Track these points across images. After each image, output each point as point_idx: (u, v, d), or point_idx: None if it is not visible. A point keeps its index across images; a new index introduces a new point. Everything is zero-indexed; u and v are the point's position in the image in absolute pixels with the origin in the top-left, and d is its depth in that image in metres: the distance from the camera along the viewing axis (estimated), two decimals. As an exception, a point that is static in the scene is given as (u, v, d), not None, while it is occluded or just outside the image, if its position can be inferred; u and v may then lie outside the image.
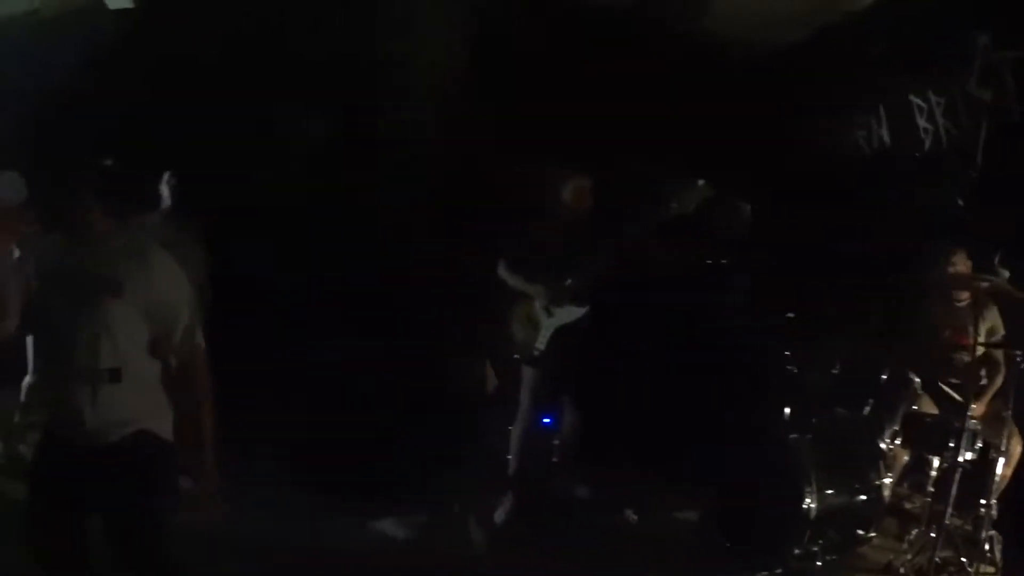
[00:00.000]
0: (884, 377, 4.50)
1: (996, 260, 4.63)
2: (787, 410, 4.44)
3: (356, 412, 4.72)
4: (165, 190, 5.36)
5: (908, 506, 5.07)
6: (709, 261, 4.72)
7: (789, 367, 4.43)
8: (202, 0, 6.15)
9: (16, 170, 5.21)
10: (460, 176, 4.89)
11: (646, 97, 4.73)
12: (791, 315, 4.44)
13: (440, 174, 4.96)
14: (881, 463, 4.54)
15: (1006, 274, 4.64)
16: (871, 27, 5.38)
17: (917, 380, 4.60)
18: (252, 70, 5.72)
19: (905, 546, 4.65)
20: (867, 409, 4.48)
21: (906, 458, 4.94)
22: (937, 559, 4.38)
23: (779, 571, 4.31)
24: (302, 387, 4.95)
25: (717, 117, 4.69)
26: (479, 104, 4.94)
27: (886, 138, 5.41)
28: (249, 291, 5.24)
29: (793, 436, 4.39)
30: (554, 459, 4.78)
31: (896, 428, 4.57)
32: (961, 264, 4.81)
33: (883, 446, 4.54)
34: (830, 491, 4.31)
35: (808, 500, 4.18)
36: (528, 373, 4.68)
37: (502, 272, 4.70)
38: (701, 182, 4.26)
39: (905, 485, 5.12)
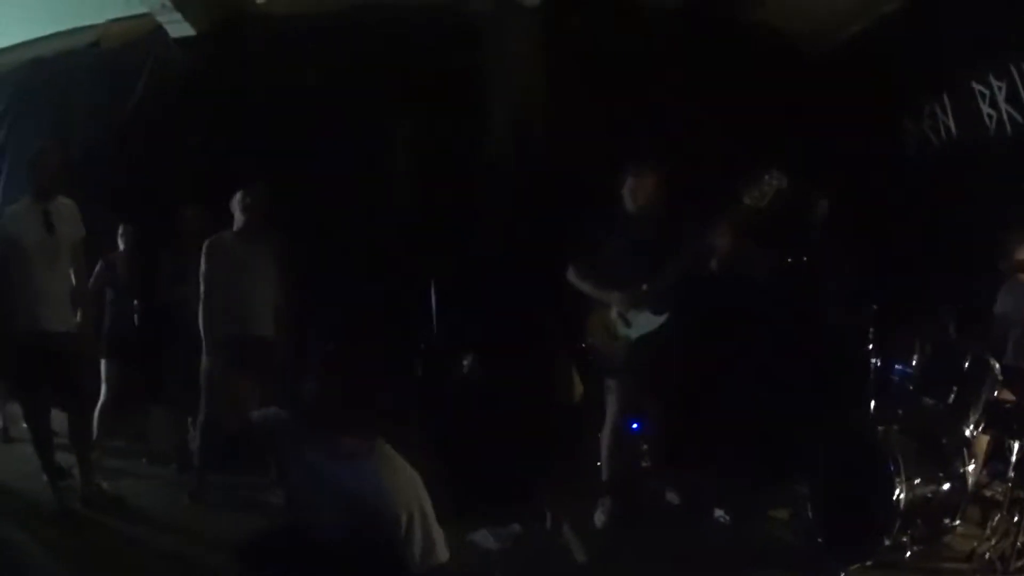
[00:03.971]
0: (966, 365, 4.50)
1: None
2: (873, 402, 4.45)
3: (447, 424, 4.79)
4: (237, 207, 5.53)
5: (989, 493, 5.06)
6: (788, 257, 4.70)
7: (874, 359, 4.44)
8: (263, 26, 6.26)
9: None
10: (537, 182, 4.93)
11: (716, 93, 4.74)
12: (874, 307, 4.42)
13: (517, 179, 5.02)
14: (966, 451, 4.54)
15: None
16: (928, 15, 5.37)
17: (997, 366, 4.60)
18: (315, 92, 5.82)
19: (987, 532, 4.67)
20: (951, 397, 4.48)
21: (985, 446, 4.96)
22: (1019, 544, 4.40)
23: (869, 564, 4.34)
24: (397, 399, 5.04)
25: (788, 112, 4.70)
26: (550, 108, 4.98)
27: (952, 127, 5.40)
28: (341, 301, 5.36)
29: (881, 428, 4.40)
30: (644, 463, 4.82)
31: (979, 415, 4.58)
32: None
33: (968, 433, 4.55)
34: (918, 481, 4.33)
35: (898, 491, 4.20)
36: (611, 382, 4.64)
37: (572, 278, 4.60)
38: (773, 176, 4.19)
39: (985, 472, 5.13)
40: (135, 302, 6.27)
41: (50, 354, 5.38)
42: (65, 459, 5.76)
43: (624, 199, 4.68)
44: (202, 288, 5.48)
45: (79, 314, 5.61)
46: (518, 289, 4.82)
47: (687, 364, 4.59)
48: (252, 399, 4.65)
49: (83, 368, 5.65)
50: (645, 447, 4.83)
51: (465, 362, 4.72)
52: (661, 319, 4.50)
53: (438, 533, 3.11)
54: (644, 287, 4.47)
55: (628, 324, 4.54)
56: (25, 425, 5.89)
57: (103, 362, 6.20)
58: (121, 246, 6.37)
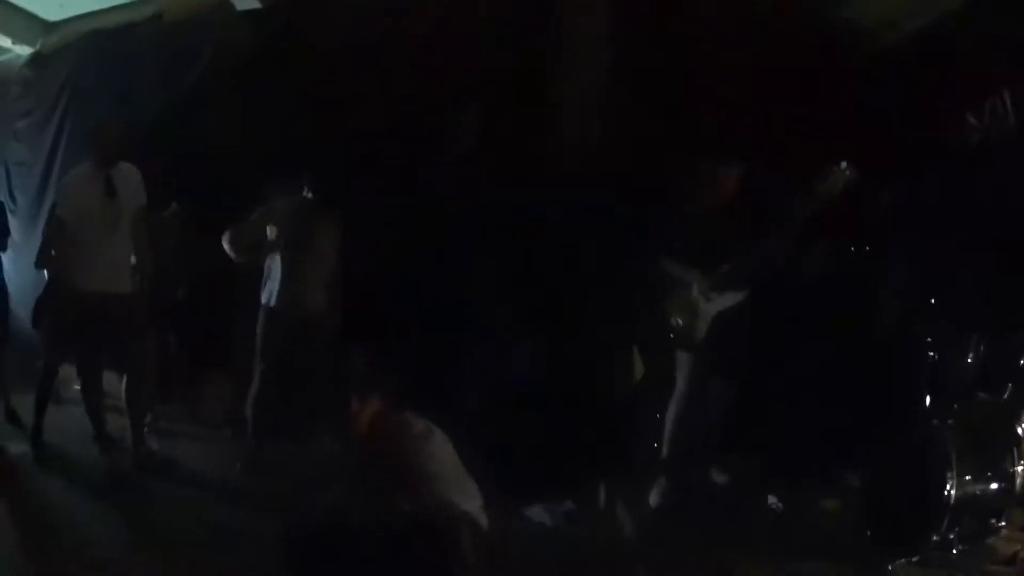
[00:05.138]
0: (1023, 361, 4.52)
1: None
2: (928, 397, 4.48)
3: (506, 400, 4.87)
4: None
5: (1035, 497, 5.08)
6: (853, 247, 4.79)
7: (931, 353, 4.47)
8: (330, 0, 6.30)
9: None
10: (616, 164, 5.00)
11: (787, 86, 4.80)
12: (933, 301, 4.46)
13: (597, 162, 5.08)
14: (1016, 450, 4.55)
15: None
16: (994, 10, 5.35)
17: (1054, 365, 4.60)
18: (382, 69, 5.86)
19: (1031, 537, 4.70)
20: (1006, 394, 4.50)
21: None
22: (1062, 550, 4.43)
23: (915, 560, 4.38)
24: (453, 376, 5.12)
25: (855, 104, 4.74)
26: (634, 92, 5.05)
27: (1012, 121, 5.38)
28: (399, 277, 5.42)
29: (935, 423, 4.42)
30: (704, 446, 4.89)
31: (1032, 414, 4.59)
32: None
33: (1020, 431, 4.56)
34: (968, 478, 4.34)
35: (949, 487, 4.21)
36: (685, 359, 4.83)
37: (660, 262, 4.84)
38: (843, 168, 4.37)
39: (1032, 475, 5.13)
40: (189, 269, 6.36)
41: (107, 316, 5.51)
42: (117, 422, 5.88)
43: (711, 187, 4.91)
44: (267, 260, 5.58)
45: (137, 278, 5.73)
46: (586, 271, 4.90)
47: (756, 344, 4.79)
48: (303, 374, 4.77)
49: (140, 331, 5.77)
50: (706, 429, 4.89)
51: (529, 340, 4.80)
52: (739, 298, 4.80)
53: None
54: (725, 268, 4.77)
55: (709, 301, 4.84)
56: (78, 387, 6.03)
57: (158, 327, 6.29)
58: (178, 214, 6.48)
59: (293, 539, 3.33)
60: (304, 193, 5.55)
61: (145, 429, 5.88)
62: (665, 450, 4.77)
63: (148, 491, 5.30)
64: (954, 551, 4.37)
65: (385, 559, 3.04)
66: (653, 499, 4.79)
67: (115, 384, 5.80)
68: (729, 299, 4.80)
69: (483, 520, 3.40)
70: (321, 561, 3.18)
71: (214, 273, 6.02)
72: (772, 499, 4.91)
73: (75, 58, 8.31)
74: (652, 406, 4.75)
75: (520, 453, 4.33)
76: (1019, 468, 4.58)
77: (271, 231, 5.52)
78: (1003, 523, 4.61)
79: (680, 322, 4.78)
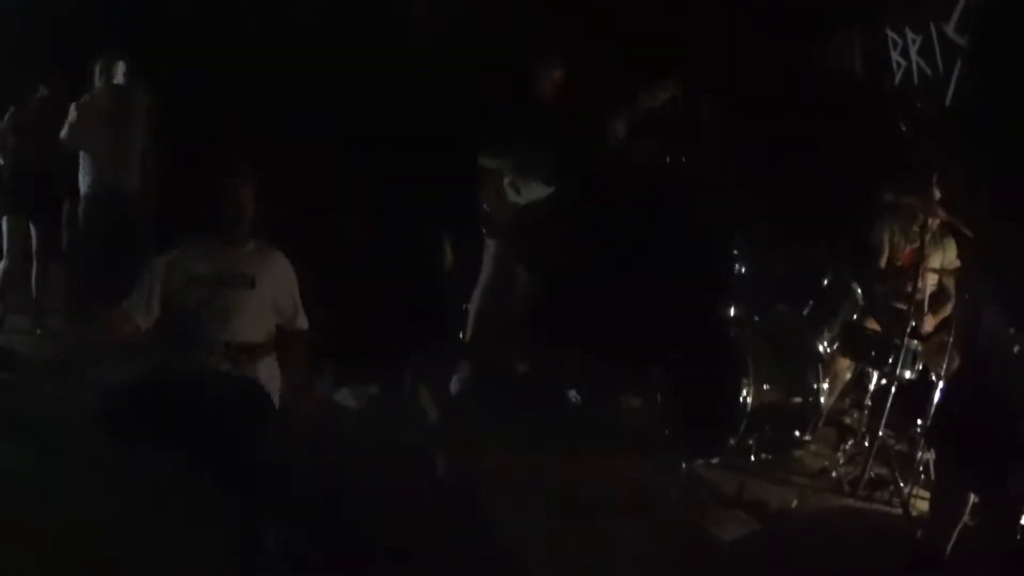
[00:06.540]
0: (826, 282, 4.66)
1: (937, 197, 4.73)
2: (732, 303, 4.60)
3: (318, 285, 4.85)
4: None
5: (847, 420, 5.28)
6: (671, 157, 4.88)
7: (738, 264, 4.59)
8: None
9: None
10: (447, 58, 5.01)
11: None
12: (745, 214, 4.60)
13: (428, 54, 5.08)
14: (820, 367, 4.70)
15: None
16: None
17: (859, 291, 4.76)
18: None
19: (840, 455, 4.88)
20: (807, 310, 4.65)
21: (848, 375, 5.16)
22: (871, 474, 4.60)
23: (714, 461, 4.52)
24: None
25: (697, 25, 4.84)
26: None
27: (857, 66, 5.55)
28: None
29: (735, 329, 4.55)
30: (506, 334, 4.97)
31: (834, 335, 4.74)
32: (916, 194, 4.94)
33: (820, 349, 4.71)
34: (767, 387, 4.48)
35: (745, 392, 4.36)
36: (491, 243, 4.91)
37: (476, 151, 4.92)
38: (669, 82, 4.50)
39: (847, 400, 5.34)
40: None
41: None
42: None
43: (538, 89, 4.96)
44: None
45: None
46: (403, 157, 4.90)
47: (564, 236, 4.87)
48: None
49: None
50: (508, 317, 4.97)
51: (342, 220, 4.79)
52: (549, 190, 4.85)
53: None
54: (536, 160, 4.83)
55: (518, 191, 4.90)
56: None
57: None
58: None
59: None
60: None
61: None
62: (467, 337, 4.85)
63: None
64: (753, 458, 4.54)
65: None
66: (453, 386, 4.87)
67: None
68: (538, 191, 4.86)
69: None
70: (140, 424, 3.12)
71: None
72: (572, 392, 5.03)
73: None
74: (458, 296, 4.82)
75: (329, 336, 4.34)
76: (824, 385, 4.77)
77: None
78: (809, 438, 4.80)
79: (488, 209, 4.82)
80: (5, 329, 5.88)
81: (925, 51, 5.69)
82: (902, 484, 4.49)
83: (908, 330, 4.48)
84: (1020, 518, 3.57)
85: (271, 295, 3.42)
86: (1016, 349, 3.29)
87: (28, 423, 4.11)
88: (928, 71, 5.66)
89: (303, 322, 3.56)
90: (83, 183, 5.66)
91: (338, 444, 4.04)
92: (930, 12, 5.66)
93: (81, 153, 5.64)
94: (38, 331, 5.87)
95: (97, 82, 5.63)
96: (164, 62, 5.62)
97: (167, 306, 3.33)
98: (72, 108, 5.47)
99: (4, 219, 5.81)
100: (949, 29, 5.63)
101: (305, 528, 3.09)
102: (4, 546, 3.01)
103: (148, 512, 3.23)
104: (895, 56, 5.68)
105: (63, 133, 5.48)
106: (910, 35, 5.73)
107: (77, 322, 5.40)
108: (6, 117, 5.76)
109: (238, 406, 3.06)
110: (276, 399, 3.36)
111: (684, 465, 4.37)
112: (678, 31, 4.79)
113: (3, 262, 5.95)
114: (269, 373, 3.38)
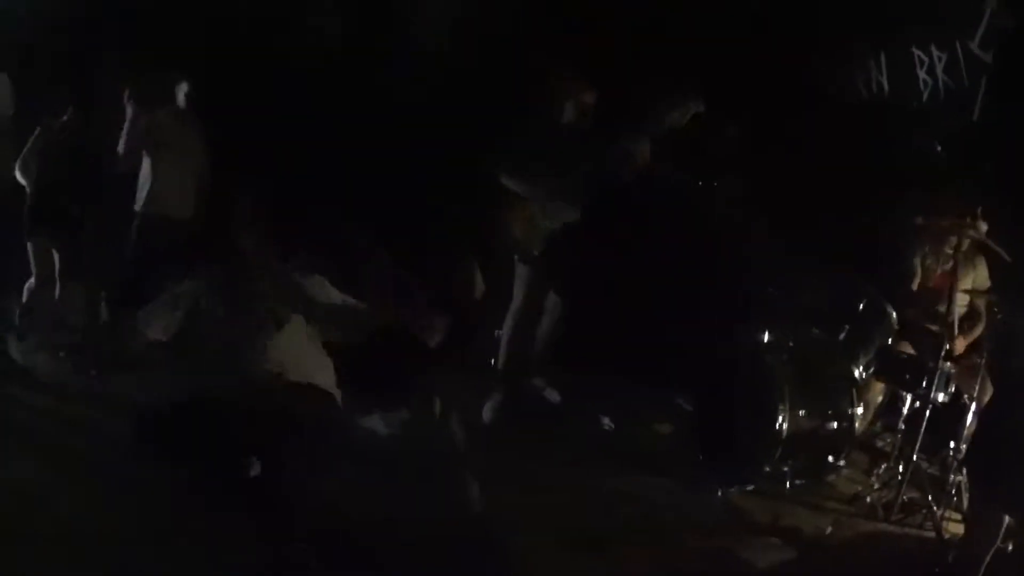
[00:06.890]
0: (862, 306, 4.61)
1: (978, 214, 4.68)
2: (766, 329, 4.55)
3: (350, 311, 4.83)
4: None
5: (880, 444, 5.22)
6: (699, 177, 4.85)
7: (771, 288, 4.55)
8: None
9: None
10: (468, 78, 4.99)
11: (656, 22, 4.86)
12: (778, 238, 4.56)
13: (448, 73, 5.06)
14: (854, 392, 4.65)
15: (984, 227, 4.72)
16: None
17: (894, 314, 4.71)
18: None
19: (873, 480, 4.82)
20: (842, 335, 4.59)
21: (880, 398, 5.10)
22: (904, 498, 4.54)
23: (750, 488, 4.46)
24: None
25: (721, 45, 4.81)
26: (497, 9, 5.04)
27: (885, 85, 5.53)
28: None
29: (770, 356, 4.50)
30: (538, 362, 4.92)
31: (869, 359, 4.69)
32: (945, 213, 4.89)
33: (856, 374, 4.66)
34: (803, 413, 4.43)
35: (780, 419, 4.31)
36: (523, 271, 4.85)
37: (504, 176, 4.83)
38: (692, 100, 4.43)
39: (879, 424, 5.28)
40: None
41: None
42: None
43: (560, 108, 4.89)
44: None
45: None
46: (431, 185, 4.89)
47: (596, 260, 4.82)
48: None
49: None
50: (541, 343, 4.93)
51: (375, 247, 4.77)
52: (579, 213, 4.79)
53: None
54: (563, 184, 4.74)
55: (549, 216, 4.83)
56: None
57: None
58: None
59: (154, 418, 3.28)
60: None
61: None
62: (500, 364, 4.80)
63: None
64: (788, 484, 4.48)
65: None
66: (486, 414, 4.82)
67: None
68: (569, 214, 4.80)
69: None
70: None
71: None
72: (605, 419, 4.97)
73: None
74: (491, 319, 4.77)
75: (359, 362, 4.31)
76: (858, 410, 4.71)
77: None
78: (843, 463, 4.74)
79: (521, 235, 4.79)
80: (28, 348, 5.86)
81: (951, 68, 5.69)
82: (935, 507, 4.43)
83: (943, 352, 4.42)
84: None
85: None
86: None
87: (49, 442, 4.10)
88: (954, 88, 5.65)
89: None
90: (140, 200, 5.63)
91: (368, 469, 4.01)
92: (955, 29, 5.66)
93: (142, 171, 5.61)
94: (61, 353, 5.85)
95: (148, 101, 5.62)
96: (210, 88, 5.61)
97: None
98: (137, 124, 5.46)
99: (30, 242, 5.81)
100: (974, 46, 5.63)
101: (331, 552, 3.04)
102: (24, 564, 2.99)
103: (172, 530, 3.22)
104: (921, 74, 5.66)
105: (121, 147, 5.47)
106: (936, 53, 5.72)
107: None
108: (30, 141, 5.75)
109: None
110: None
111: (719, 492, 4.31)
112: (703, 53, 4.74)
113: (30, 282, 5.96)
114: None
